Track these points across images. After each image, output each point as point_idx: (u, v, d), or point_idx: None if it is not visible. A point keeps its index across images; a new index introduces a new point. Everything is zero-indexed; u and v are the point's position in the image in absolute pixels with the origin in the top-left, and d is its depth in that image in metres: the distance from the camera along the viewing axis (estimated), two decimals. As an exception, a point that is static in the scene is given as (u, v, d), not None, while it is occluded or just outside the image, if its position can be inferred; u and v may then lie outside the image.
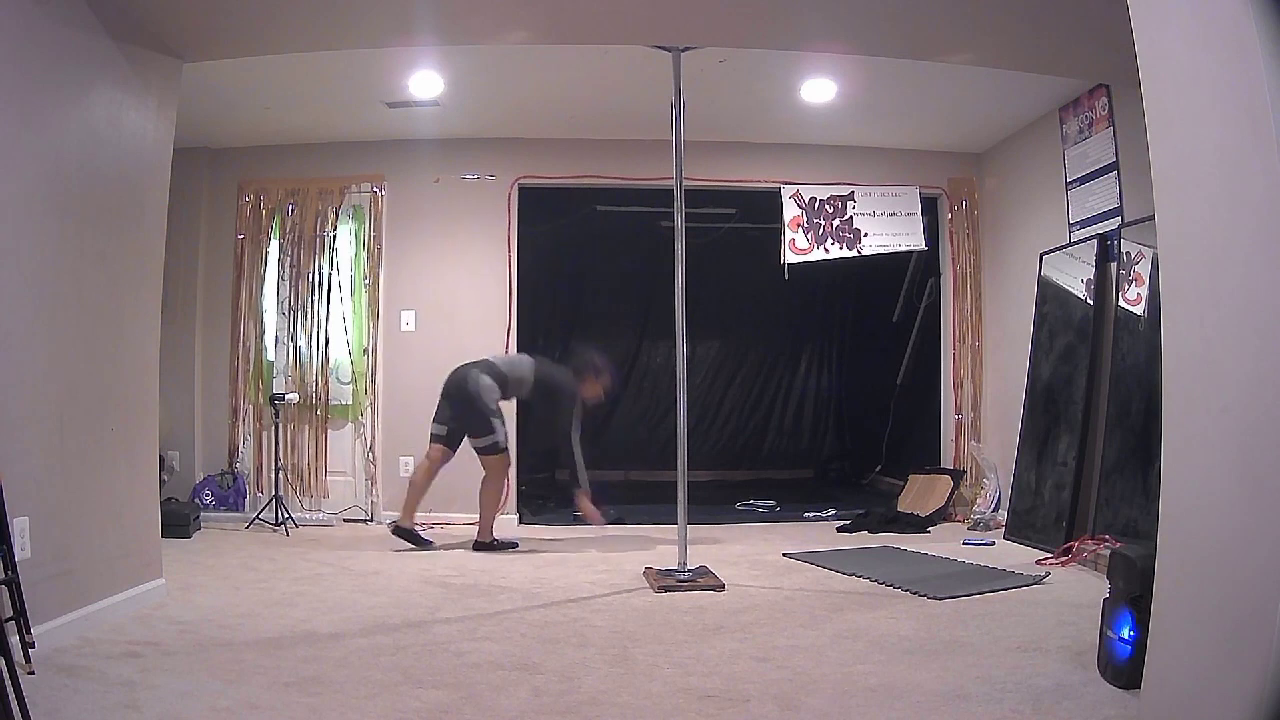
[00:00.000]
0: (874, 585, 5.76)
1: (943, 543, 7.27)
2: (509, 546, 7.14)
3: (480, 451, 7.15)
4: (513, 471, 8.38)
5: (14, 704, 3.08)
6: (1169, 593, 2.96)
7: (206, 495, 8.32)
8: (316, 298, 8.57)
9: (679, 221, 5.97)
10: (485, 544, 7.11)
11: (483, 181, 8.61)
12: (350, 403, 8.55)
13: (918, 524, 8.06)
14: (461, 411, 7.17)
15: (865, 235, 8.72)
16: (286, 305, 8.59)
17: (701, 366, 12.10)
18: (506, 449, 7.29)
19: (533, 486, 9.44)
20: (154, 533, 5.37)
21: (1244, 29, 2.47)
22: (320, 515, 8.29)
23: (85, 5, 4.63)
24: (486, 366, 7.22)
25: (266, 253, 8.66)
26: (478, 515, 7.22)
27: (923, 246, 8.83)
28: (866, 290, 11.92)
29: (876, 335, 11.71)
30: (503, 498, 7.59)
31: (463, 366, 7.26)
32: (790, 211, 8.69)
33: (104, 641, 4.37)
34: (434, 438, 7.33)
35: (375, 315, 8.59)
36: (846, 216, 8.74)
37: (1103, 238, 6.96)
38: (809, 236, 8.68)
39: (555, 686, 3.86)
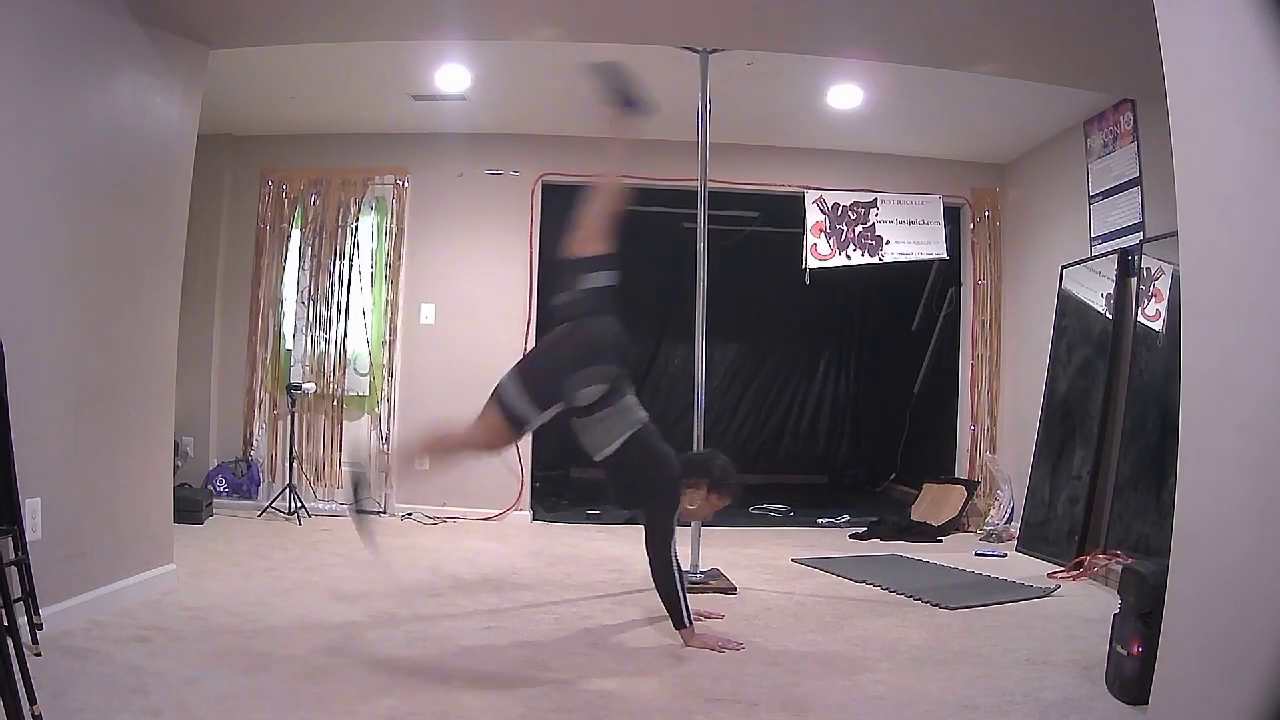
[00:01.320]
0: (885, 593, 5.75)
1: (954, 553, 7.25)
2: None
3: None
4: (526, 468, 8.40)
5: (20, 685, 3.09)
6: (1179, 609, 2.95)
7: (220, 482, 8.34)
8: (336, 288, 8.58)
9: (702, 223, 5.97)
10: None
11: (507, 177, 8.62)
12: (367, 394, 8.55)
13: (930, 533, 8.04)
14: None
15: (887, 243, 8.70)
16: (306, 295, 8.61)
17: (719, 369, 12.06)
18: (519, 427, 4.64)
19: (546, 484, 9.43)
20: (166, 518, 5.39)
21: (1271, 47, 2.46)
22: (333, 505, 8.29)
23: (114, -10, 4.65)
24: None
25: (288, 242, 8.68)
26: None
27: (944, 256, 8.81)
28: (886, 298, 11.89)
29: (895, 343, 11.67)
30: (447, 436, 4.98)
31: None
32: (813, 217, 8.68)
33: (112, 625, 4.38)
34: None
35: (395, 307, 8.60)
36: (869, 224, 8.72)
37: (1124, 253, 6.93)
38: (831, 242, 8.67)
39: (564, 685, 3.86)
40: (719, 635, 4.58)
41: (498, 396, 4.56)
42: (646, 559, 4.62)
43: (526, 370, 4.62)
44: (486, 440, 4.69)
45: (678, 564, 4.62)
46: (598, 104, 4.88)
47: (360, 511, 5.77)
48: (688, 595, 4.62)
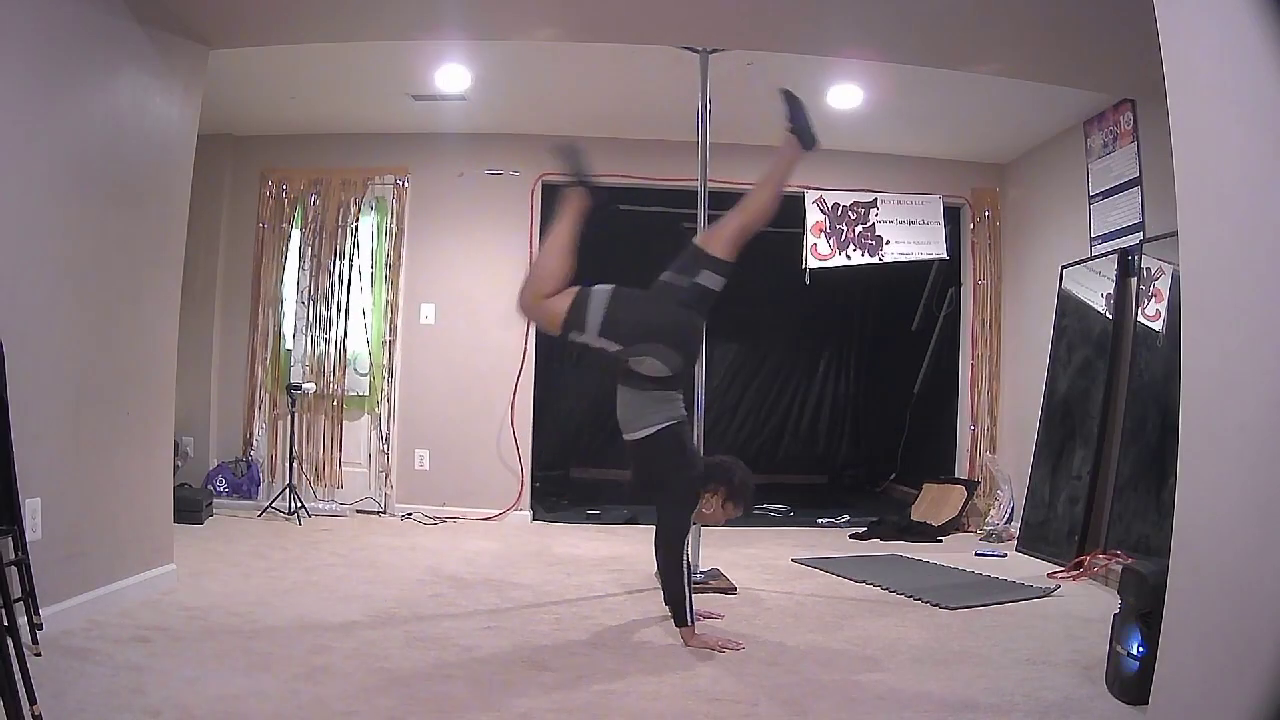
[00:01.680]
0: (885, 593, 5.75)
1: (954, 553, 7.25)
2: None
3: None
4: (526, 467, 8.39)
5: (20, 685, 3.09)
6: (1179, 609, 2.95)
7: (220, 482, 8.34)
8: (336, 288, 8.58)
9: (702, 223, 5.96)
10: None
11: (507, 177, 8.62)
12: (367, 394, 8.55)
13: (930, 533, 8.04)
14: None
15: (887, 243, 8.70)
16: (306, 295, 8.60)
17: (719, 369, 12.05)
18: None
19: (546, 484, 9.43)
20: (166, 518, 5.39)
21: (1271, 47, 2.46)
22: (333, 505, 8.30)
23: (115, -10, 4.65)
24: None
25: (288, 241, 8.67)
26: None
27: (944, 256, 8.81)
28: (886, 298, 11.89)
29: (895, 343, 11.66)
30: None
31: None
32: (813, 217, 8.68)
33: (112, 625, 4.38)
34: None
35: (395, 307, 8.59)
36: (869, 224, 8.72)
37: (1124, 253, 6.93)
38: (831, 242, 8.67)
39: (564, 685, 3.86)
40: (719, 636, 4.58)
41: (580, 294, 4.56)
42: (654, 555, 4.66)
43: (619, 298, 4.59)
44: (544, 298, 4.59)
45: (687, 563, 4.66)
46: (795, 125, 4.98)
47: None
48: (693, 595, 4.63)
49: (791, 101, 4.94)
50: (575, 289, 4.56)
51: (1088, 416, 7.01)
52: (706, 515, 4.82)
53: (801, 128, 4.89)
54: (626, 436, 4.77)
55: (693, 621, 4.56)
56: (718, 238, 4.77)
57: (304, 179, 8.65)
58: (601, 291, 4.57)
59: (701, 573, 5.83)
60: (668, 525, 4.62)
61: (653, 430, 4.66)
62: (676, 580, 4.56)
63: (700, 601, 5.30)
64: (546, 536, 7.62)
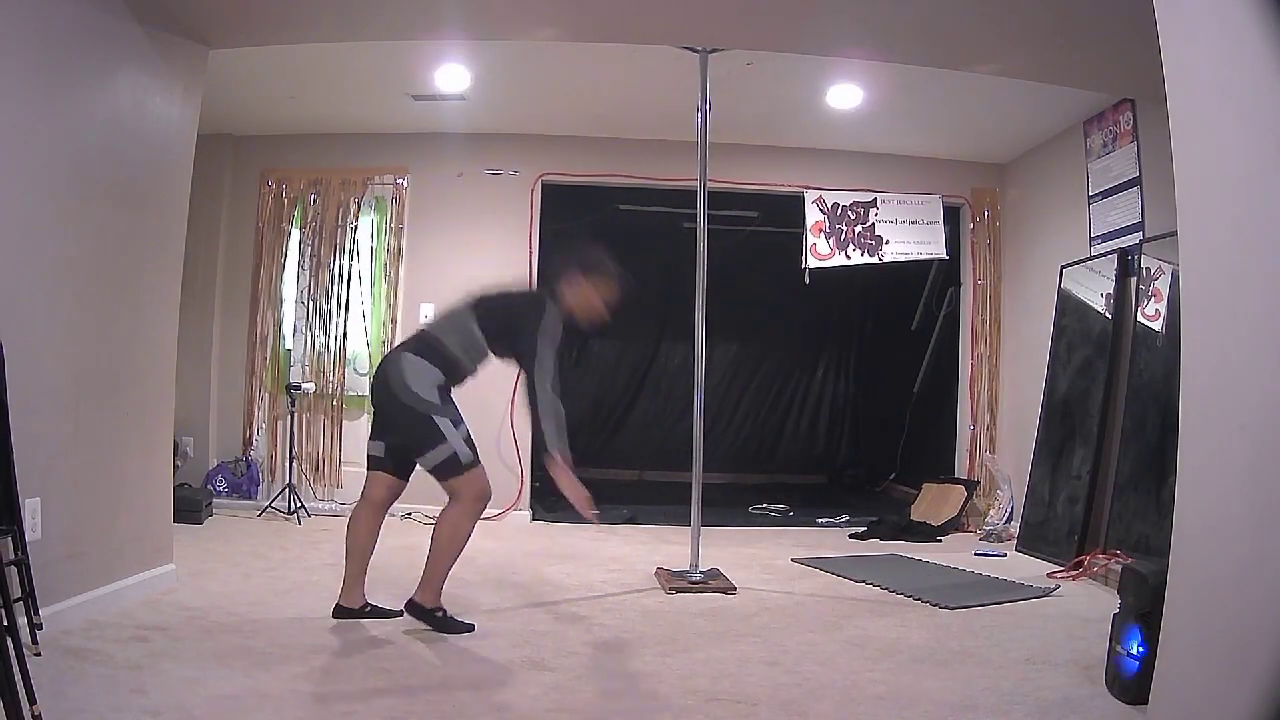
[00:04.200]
0: (884, 593, 5.75)
1: (954, 553, 7.25)
2: (460, 628, 4.66)
3: (436, 473, 4.64)
4: (526, 467, 8.38)
5: (20, 685, 3.08)
6: (1179, 609, 2.94)
7: (219, 482, 8.34)
8: (336, 288, 8.58)
9: (702, 223, 5.97)
10: (426, 610, 4.67)
11: (506, 177, 8.62)
12: (367, 394, 8.55)
13: (930, 533, 8.04)
14: (391, 418, 4.77)
15: (887, 243, 8.70)
16: (306, 294, 8.61)
17: (719, 369, 12.06)
18: (475, 459, 4.68)
19: (546, 483, 9.41)
20: (166, 518, 5.38)
21: (1271, 47, 2.46)
22: (333, 505, 8.29)
23: (114, -10, 4.65)
24: (416, 342, 4.85)
25: (287, 241, 8.68)
26: (425, 562, 4.76)
27: (944, 256, 8.82)
28: (886, 298, 11.91)
29: (894, 343, 11.67)
30: (466, 540, 4.74)
31: (389, 353, 5.14)
32: (813, 216, 8.68)
33: (112, 625, 4.38)
34: (371, 462, 4.94)
35: (395, 307, 8.60)
36: (869, 223, 8.72)
37: (1123, 252, 6.94)
38: (831, 242, 8.67)
39: (564, 685, 3.86)
40: (581, 495, 4.66)
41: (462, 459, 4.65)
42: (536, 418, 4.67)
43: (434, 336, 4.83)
44: (472, 491, 4.73)
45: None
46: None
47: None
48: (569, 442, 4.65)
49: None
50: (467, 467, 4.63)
51: (1087, 416, 7.01)
52: (582, 309, 4.95)
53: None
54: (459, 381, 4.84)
55: (565, 459, 4.63)
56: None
57: (304, 179, 8.65)
58: (414, 360, 4.68)
59: (701, 573, 5.83)
60: (534, 369, 4.64)
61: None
62: (559, 415, 4.64)
63: (701, 601, 5.32)
64: (546, 536, 7.63)
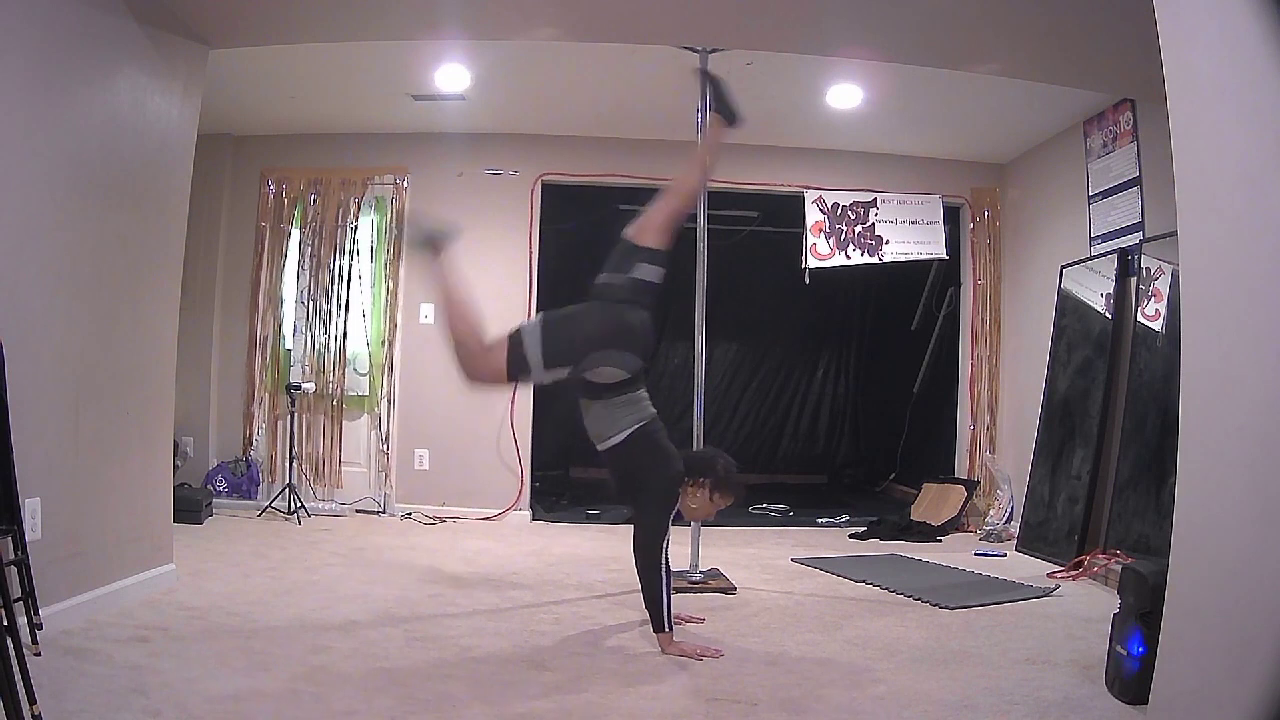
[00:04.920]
0: (884, 593, 5.75)
1: (954, 553, 7.25)
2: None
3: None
4: (526, 467, 8.39)
5: (20, 685, 3.09)
6: (1179, 609, 2.95)
7: (220, 482, 8.34)
8: (336, 288, 8.58)
9: (702, 223, 5.97)
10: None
11: (506, 177, 8.62)
12: (366, 394, 8.55)
13: (930, 533, 8.04)
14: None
15: (887, 243, 8.70)
16: (306, 294, 8.60)
17: (719, 368, 12.06)
18: None
19: (546, 483, 9.43)
20: (166, 518, 5.39)
21: (1271, 47, 2.46)
22: (333, 505, 8.30)
23: (114, -10, 4.65)
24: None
25: (287, 241, 8.67)
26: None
27: (944, 256, 8.81)
28: (886, 298, 11.91)
29: (894, 343, 11.66)
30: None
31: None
32: (813, 216, 8.67)
33: (112, 625, 4.38)
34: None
35: (394, 307, 8.60)
36: (869, 223, 8.72)
37: (1123, 252, 6.94)
38: (831, 242, 8.67)
39: (564, 685, 3.86)
40: (698, 643, 4.47)
41: (513, 338, 4.38)
42: (633, 558, 4.53)
43: (551, 325, 4.45)
44: (481, 360, 4.40)
45: (667, 566, 4.53)
46: (705, 110, 5.07)
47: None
48: (672, 599, 4.54)
49: (712, 83, 4.98)
50: (506, 336, 4.40)
51: (1087, 416, 7.01)
52: (695, 510, 4.75)
53: (724, 108, 4.84)
54: (600, 447, 4.62)
55: (670, 628, 4.45)
56: (648, 228, 4.60)
57: (304, 179, 8.64)
58: (532, 327, 4.43)
59: (701, 573, 5.83)
60: (647, 527, 4.52)
61: (625, 434, 4.54)
62: (655, 584, 4.46)
63: (702, 601, 5.32)
64: (546, 536, 7.62)
